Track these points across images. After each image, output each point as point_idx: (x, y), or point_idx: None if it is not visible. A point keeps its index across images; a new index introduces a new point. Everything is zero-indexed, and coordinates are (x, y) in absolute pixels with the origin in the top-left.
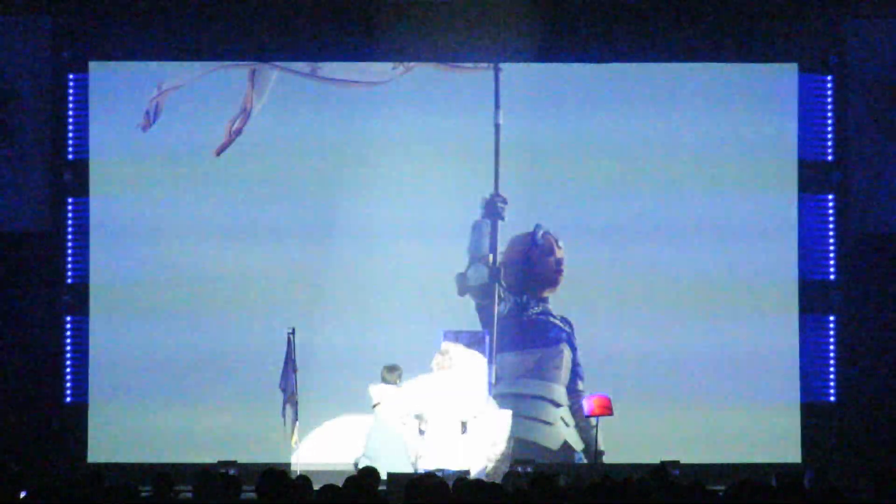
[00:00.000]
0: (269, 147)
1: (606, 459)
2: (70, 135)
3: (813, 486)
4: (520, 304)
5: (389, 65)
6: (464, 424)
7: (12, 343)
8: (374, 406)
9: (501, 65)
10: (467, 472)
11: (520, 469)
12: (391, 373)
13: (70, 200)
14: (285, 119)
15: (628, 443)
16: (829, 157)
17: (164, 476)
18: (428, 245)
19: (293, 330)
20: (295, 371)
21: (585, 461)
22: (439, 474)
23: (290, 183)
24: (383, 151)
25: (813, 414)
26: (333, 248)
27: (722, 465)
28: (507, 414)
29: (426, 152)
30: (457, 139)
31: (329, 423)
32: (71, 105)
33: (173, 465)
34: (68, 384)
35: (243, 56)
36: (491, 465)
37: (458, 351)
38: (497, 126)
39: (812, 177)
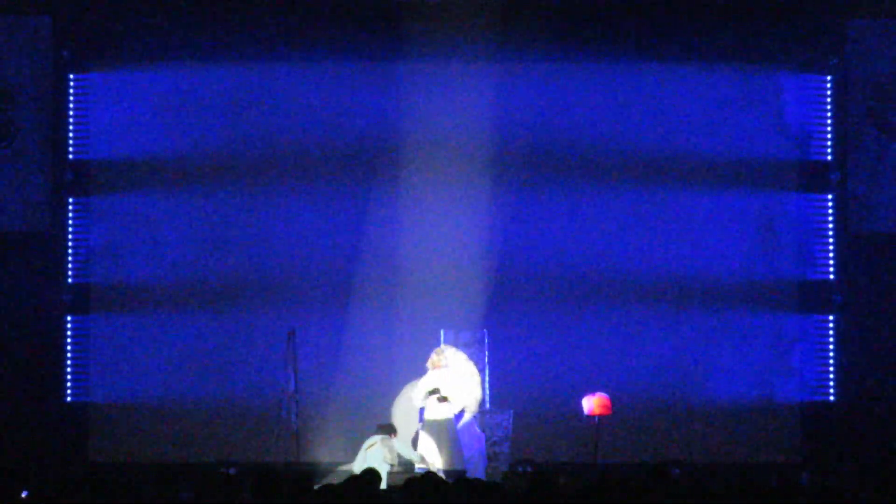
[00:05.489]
0: (268, 146)
1: (606, 459)
2: (70, 135)
3: (810, 486)
4: None
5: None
6: None
7: (13, 343)
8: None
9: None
10: (463, 472)
11: (520, 469)
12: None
13: (70, 200)
14: (282, 118)
15: (628, 443)
16: (829, 157)
17: (164, 476)
18: (428, 244)
19: (293, 330)
20: (295, 371)
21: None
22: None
23: (288, 183)
24: (381, 151)
25: (813, 414)
26: (333, 248)
27: (722, 465)
28: (507, 413)
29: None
30: (456, 138)
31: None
32: (71, 105)
33: (173, 465)
34: (69, 384)
35: (243, 56)
36: (490, 465)
37: (453, 350)
38: None
39: (812, 177)
